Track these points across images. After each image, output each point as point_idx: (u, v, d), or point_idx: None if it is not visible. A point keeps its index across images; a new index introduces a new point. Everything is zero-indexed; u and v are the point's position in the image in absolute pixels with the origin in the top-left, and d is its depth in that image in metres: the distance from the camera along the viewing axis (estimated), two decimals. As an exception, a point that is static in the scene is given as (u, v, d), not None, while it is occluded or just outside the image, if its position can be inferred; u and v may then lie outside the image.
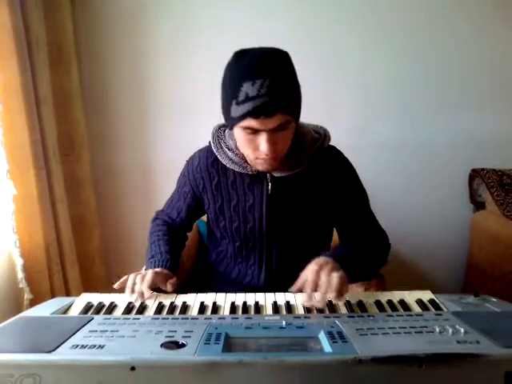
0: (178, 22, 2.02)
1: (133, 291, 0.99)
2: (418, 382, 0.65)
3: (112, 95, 2.09)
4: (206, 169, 1.18)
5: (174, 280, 1.06)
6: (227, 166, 1.12)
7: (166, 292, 1.03)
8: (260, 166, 1.05)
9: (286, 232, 1.16)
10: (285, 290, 1.06)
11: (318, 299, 0.90)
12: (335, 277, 0.91)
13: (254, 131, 0.96)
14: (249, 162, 1.09)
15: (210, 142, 1.17)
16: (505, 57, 2.07)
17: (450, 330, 0.74)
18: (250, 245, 1.18)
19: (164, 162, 2.12)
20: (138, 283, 0.99)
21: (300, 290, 0.94)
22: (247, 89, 0.91)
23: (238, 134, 1.00)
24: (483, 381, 0.65)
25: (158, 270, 1.07)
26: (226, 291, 1.02)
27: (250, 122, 0.94)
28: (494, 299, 0.93)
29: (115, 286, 1.03)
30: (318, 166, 1.14)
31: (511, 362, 0.65)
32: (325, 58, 2.06)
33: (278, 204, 1.13)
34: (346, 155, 1.22)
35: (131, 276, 1.02)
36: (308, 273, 0.94)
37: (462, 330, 0.73)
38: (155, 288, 1.03)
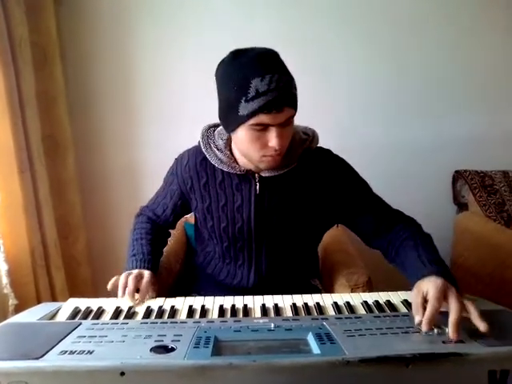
0: (163, 24, 2.01)
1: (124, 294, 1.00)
2: (405, 381, 0.66)
3: (97, 97, 2.07)
4: (195, 168, 1.17)
5: (156, 287, 1.08)
6: (216, 165, 1.12)
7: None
8: (265, 163, 1.04)
9: (275, 232, 1.16)
10: (274, 290, 1.06)
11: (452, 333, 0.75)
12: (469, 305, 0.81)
13: (263, 128, 0.96)
14: (251, 161, 1.07)
15: (199, 142, 1.17)
16: (487, 61, 2.11)
17: (436, 330, 0.76)
18: (239, 245, 1.18)
19: (149, 164, 2.12)
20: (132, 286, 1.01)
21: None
22: (256, 84, 0.91)
23: (244, 133, 0.98)
24: (468, 379, 0.67)
25: (148, 275, 1.07)
26: (215, 294, 1.02)
27: (261, 118, 0.93)
28: (478, 299, 0.95)
29: (108, 287, 1.04)
30: (307, 167, 1.13)
31: (494, 360, 0.67)
32: (311, 60, 2.07)
33: (267, 204, 1.13)
34: None
35: (122, 278, 1.03)
36: (430, 291, 0.83)
37: (447, 329, 0.75)
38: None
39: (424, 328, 0.76)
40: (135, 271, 1.07)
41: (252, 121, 0.94)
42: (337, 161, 1.18)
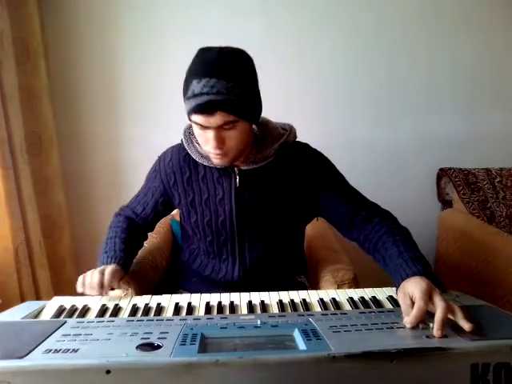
0: (149, 20, 2.00)
1: (93, 289, 1.01)
2: (390, 376, 0.67)
3: (81, 93, 2.05)
4: (178, 164, 1.19)
5: (126, 279, 1.10)
6: (197, 160, 1.15)
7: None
8: (213, 159, 1.09)
9: (257, 225, 1.18)
10: (259, 284, 1.07)
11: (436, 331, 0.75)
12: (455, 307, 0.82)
13: (203, 127, 1.00)
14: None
15: (181, 139, 1.19)
16: (472, 59, 2.15)
17: (420, 325, 0.77)
18: (222, 239, 1.20)
19: (134, 162, 2.10)
20: (96, 278, 1.02)
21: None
22: (194, 86, 0.96)
23: (193, 127, 1.05)
24: (451, 373, 0.67)
25: (113, 267, 1.07)
26: (201, 290, 1.02)
27: (196, 118, 0.98)
28: (461, 294, 0.97)
29: (78, 289, 1.04)
30: (285, 160, 1.16)
31: (477, 354, 0.68)
32: (296, 59, 2.08)
33: (247, 197, 1.15)
34: None
35: (88, 274, 1.04)
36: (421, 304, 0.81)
37: (431, 324, 0.76)
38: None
39: (408, 326, 0.78)
40: (100, 268, 1.07)
41: (192, 118, 1.00)
42: (314, 154, 1.21)
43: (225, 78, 0.95)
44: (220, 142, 1.01)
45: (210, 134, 1.00)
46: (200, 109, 0.96)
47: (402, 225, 1.12)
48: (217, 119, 0.97)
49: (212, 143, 1.00)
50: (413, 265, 0.93)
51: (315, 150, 1.22)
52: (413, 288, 0.86)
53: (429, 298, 0.83)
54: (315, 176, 1.17)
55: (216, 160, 1.07)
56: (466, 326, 0.76)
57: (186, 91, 0.98)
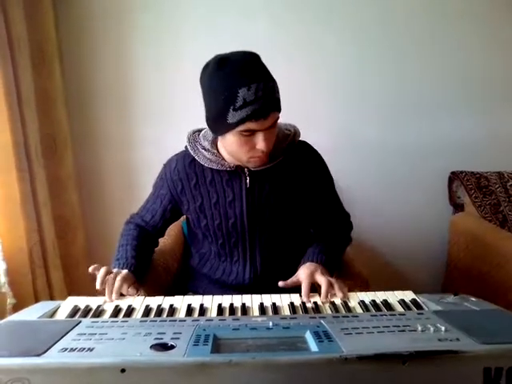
0: (162, 23, 2.02)
1: (103, 288, 1.03)
2: (402, 378, 0.67)
3: (95, 96, 2.07)
4: (184, 170, 1.21)
5: (135, 285, 1.11)
6: (205, 165, 1.17)
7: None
8: (253, 163, 1.11)
9: (268, 225, 1.19)
10: (270, 286, 1.08)
11: (322, 299, 1.00)
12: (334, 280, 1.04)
13: (251, 133, 1.01)
14: (240, 161, 1.12)
15: (186, 146, 1.21)
16: (485, 62, 2.13)
17: (432, 329, 0.76)
18: (233, 241, 1.21)
19: (147, 163, 2.11)
20: (109, 283, 1.03)
21: (290, 287, 1.08)
22: (244, 94, 0.96)
23: (232, 138, 1.04)
24: (463, 376, 0.67)
25: (125, 272, 1.09)
26: (212, 293, 1.03)
27: (249, 125, 0.99)
28: (473, 298, 0.97)
29: (90, 269, 1.07)
30: (292, 160, 1.19)
31: (489, 357, 0.68)
32: (306, 60, 2.08)
33: (257, 197, 1.17)
34: (326, 158, 1.28)
35: (102, 270, 1.06)
36: (302, 274, 1.09)
37: (443, 328, 0.76)
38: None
39: (305, 299, 0.99)
40: (115, 271, 1.09)
41: (240, 128, 1.00)
42: (316, 155, 1.26)
43: (267, 80, 1.00)
44: (268, 141, 1.04)
45: (260, 136, 1.02)
46: (258, 114, 0.98)
47: (350, 236, 1.32)
48: (269, 120, 1.01)
49: (263, 145, 1.02)
50: (316, 256, 1.16)
51: (317, 152, 1.27)
52: (302, 270, 1.10)
53: (312, 276, 1.07)
54: (316, 176, 1.23)
55: (257, 162, 1.10)
56: (339, 294, 0.99)
57: (230, 103, 0.97)
